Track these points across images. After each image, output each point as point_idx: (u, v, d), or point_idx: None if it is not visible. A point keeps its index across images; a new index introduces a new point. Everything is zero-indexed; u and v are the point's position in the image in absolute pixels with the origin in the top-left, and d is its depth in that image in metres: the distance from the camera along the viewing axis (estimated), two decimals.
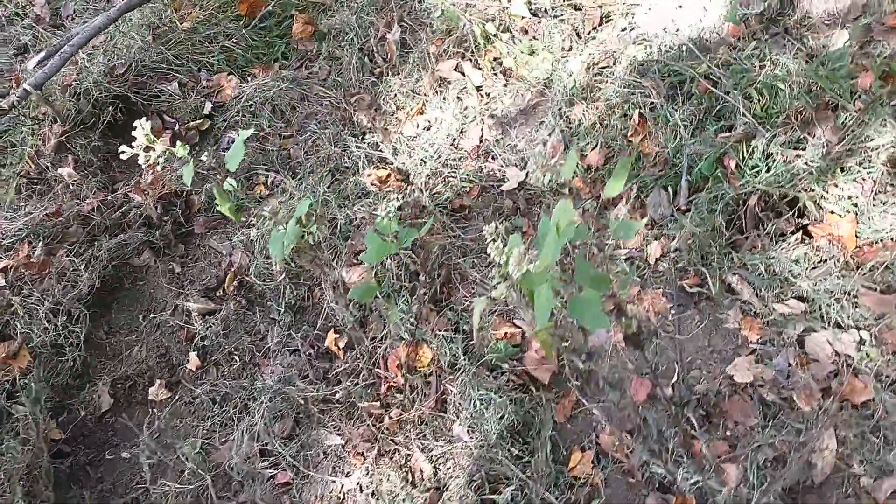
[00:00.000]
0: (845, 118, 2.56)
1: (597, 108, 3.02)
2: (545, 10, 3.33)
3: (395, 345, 2.55)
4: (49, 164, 3.41)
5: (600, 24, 3.32)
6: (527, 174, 3.02)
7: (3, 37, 4.45)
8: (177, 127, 3.59)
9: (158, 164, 2.04)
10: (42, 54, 3.42)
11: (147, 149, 2.08)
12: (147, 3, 3.50)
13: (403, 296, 2.65)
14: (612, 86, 2.99)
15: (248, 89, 3.53)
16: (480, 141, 3.22)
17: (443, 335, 2.54)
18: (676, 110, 2.79)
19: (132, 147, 2.09)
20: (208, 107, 3.59)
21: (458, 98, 3.36)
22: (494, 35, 3.27)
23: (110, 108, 3.53)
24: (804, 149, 2.55)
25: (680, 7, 3.27)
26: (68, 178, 3.34)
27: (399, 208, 2.10)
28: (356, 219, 2.90)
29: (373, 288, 2.28)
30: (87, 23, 3.46)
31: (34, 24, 4.48)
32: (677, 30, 3.21)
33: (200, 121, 3.60)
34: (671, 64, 2.86)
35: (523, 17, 3.32)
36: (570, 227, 1.49)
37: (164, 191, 3.25)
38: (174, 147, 2.11)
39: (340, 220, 2.91)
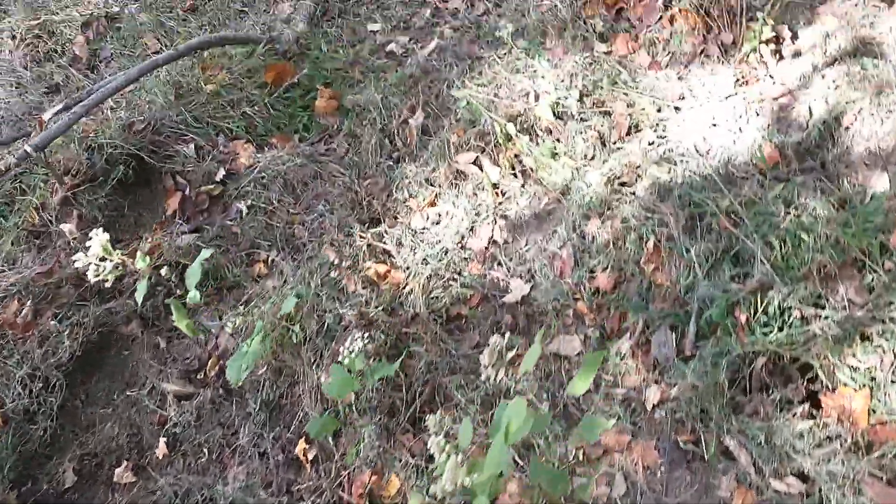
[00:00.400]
0: (872, 279, 2.37)
1: (612, 227, 2.86)
2: (571, 115, 3.19)
3: (362, 468, 2.41)
4: (53, 218, 3.35)
5: (628, 135, 3.17)
6: (531, 288, 2.87)
7: (38, 73, 4.46)
8: (188, 190, 3.52)
9: (108, 280, 1.93)
10: (60, 105, 3.38)
11: (103, 259, 1.97)
12: (168, 64, 3.45)
13: (380, 415, 2.51)
14: (629, 206, 2.83)
15: (262, 160, 3.45)
16: (489, 243, 3.08)
17: (414, 464, 2.39)
18: (693, 244, 2.62)
19: (87, 255, 1.98)
20: (221, 173, 3.51)
21: (474, 193, 3.23)
22: (515, 135, 3.14)
23: (122, 165, 3.46)
24: (823, 307, 2.36)
25: (714, 125, 3.12)
26: (69, 235, 3.28)
27: (365, 347, 1.96)
28: (345, 319, 2.77)
29: (330, 424, 2.14)
30: (106, 80, 3.41)
31: (69, 65, 4.49)
32: (708, 150, 3.05)
33: (212, 186, 3.52)
34: (693, 194, 2.70)
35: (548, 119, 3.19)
36: (523, 428, 1.34)
37: (160, 261, 3.16)
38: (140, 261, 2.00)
39: (329, 318, 2.79)
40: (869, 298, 2.35)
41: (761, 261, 2.45)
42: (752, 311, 2.38)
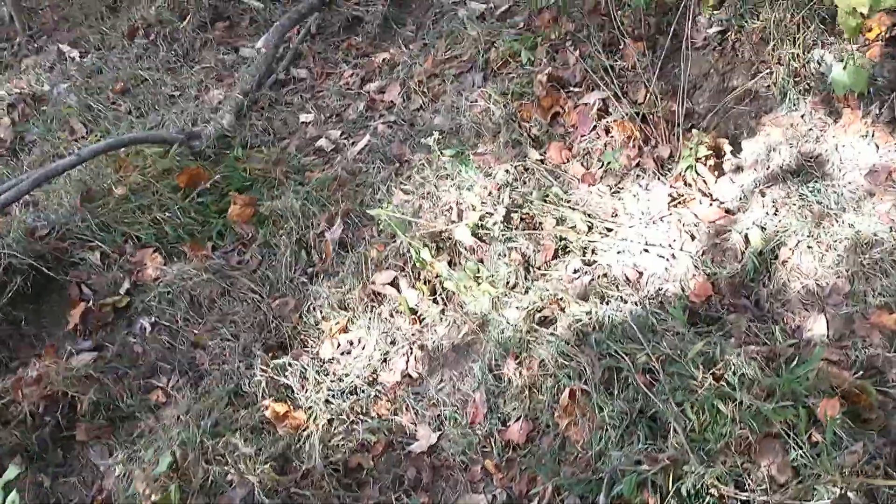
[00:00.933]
0: (796, 455, 2.14)
1: (529, 370, 2.64)
2: (494, 236, 2.97)
3: None
4: None
5: (554, 258, 2.96)
6: (439, 436, 2.64)
7: None
8: (91, 302, 3.28)
9: None
10: None
11: None
12: (68, 171, 3.23)
13: None
14: (547, 349, 2.61)
15: (169, 274, 3.22)
16: (403, 377, 2.85)
17: None
18: (609, 402, 2.39)
19: None
20: (126, 285, 3.29)
21: (391, 315, 3.01)
22: (430, 261, 2.92)
23: (19, 277, 3.23)
24: (742, 487, 2.14)
25: (646, 250, 2.91)
26: None
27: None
28: (229, 474, 2.52)
29: None
30: None
31: None
32: (638, 277, 2.85)
33: (118, 297, 3.29)
34: (611, 344, 2.48)
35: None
36: None
37: (47, 391, 2.92)
38: None
39: (215, 470, 2.54)
40: (792, 477, 2.13)
41: (675, 430, 2.22)
42: (664, 493, 2.15)
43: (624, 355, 2.44)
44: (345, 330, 3.00)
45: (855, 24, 2.63)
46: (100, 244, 3.36)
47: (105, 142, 3.33)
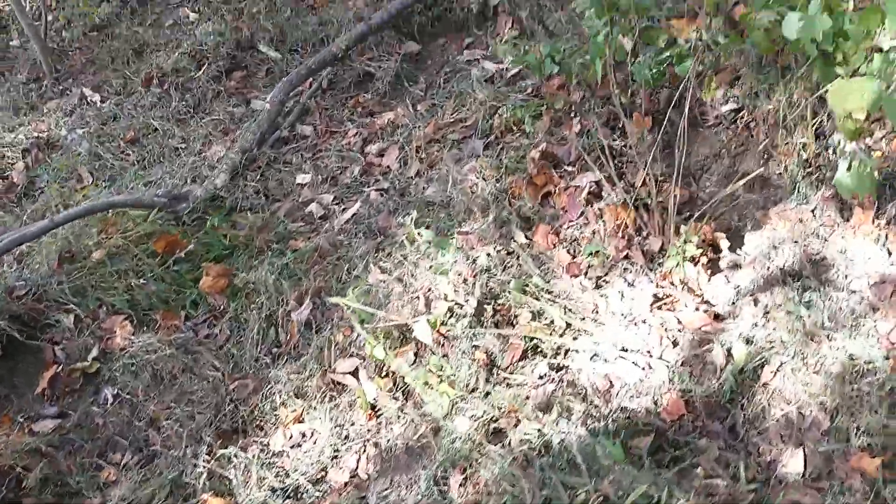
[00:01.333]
0: None
1: (475, 487, 2.45)
2: (460, 333, 2.79)
3: None
4: None
5: (522, 359, 2.76)
6: None
7: None
8: (60, 367, 3.23)
9: None
10: None
11: None
12: (37, 238, 3.19)
13: None
14: (494, 468, 2.41)
15: (135, 345, 3.15)
16: (351, 476, 2.69)
17: None
18: None
19: None
20: (95, 352, 3.23)
21: (349, 407, 2.86)
22: (385, 357, 2.76)
23: None
24: None
25: (622, 356, 2.69)
26: None
27: None
28: None
29: None
30: None
31: (3, 193, 4.32)
32: (608, 389, 2.62)
33: (87, 364, 3.24)
34: (553, 476, 2.27)
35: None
36: None
37: None
38: None
39: None
40: None
41: None
42: None
43: (565, 489, 2.23)
44: (300, 420, 2.86)
45: (854, 129, 2.36)
46: (74, 307, 3.31)
47: (82, 206, 3.29)
